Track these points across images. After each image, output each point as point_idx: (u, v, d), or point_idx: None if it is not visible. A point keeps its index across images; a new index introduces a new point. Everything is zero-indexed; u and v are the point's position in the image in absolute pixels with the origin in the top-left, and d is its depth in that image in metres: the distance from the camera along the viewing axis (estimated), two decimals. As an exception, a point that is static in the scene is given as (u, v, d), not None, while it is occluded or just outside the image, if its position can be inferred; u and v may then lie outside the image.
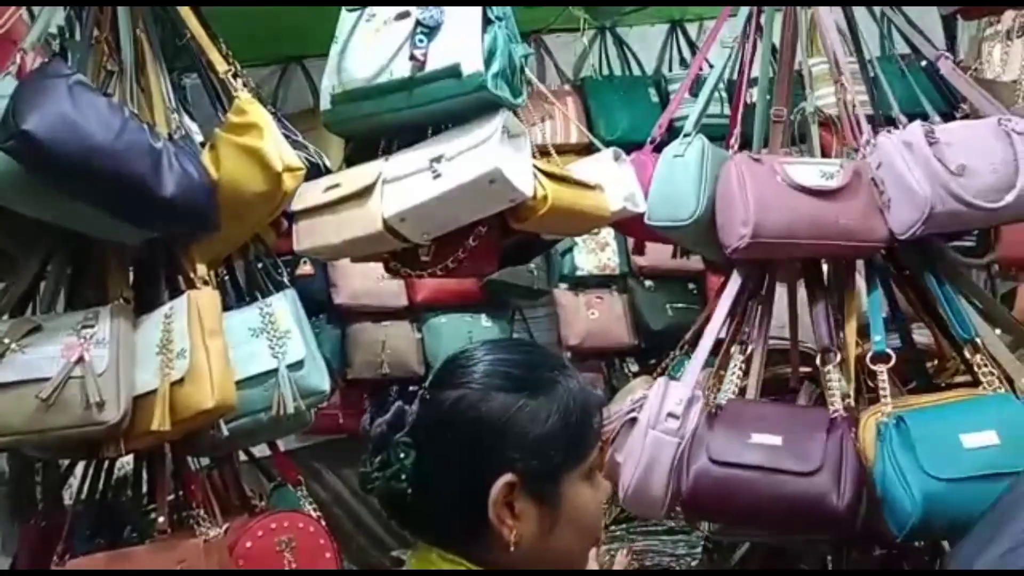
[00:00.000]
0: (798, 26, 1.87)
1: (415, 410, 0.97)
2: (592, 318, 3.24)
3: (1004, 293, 2.36)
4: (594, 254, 3.27)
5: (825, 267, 1.82)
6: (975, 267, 1.77)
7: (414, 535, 1.01)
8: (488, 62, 1.68)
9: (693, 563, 2.19)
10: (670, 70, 3.43)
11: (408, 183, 1.71)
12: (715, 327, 1.75)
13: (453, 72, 1.68)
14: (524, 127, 1.75)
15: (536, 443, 0.95)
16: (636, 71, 3.44)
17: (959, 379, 1.70)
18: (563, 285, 3.29)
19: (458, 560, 0.96)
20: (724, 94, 2.43)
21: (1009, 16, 2.38)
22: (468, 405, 0.95)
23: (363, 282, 3.14)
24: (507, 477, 0.94)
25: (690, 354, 1.80)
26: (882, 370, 1.55)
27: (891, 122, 1.74)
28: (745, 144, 1.94)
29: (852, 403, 1.58)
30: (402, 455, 0.95)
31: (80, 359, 1.59)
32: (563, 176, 1.80)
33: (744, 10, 1.92)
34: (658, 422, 1.62)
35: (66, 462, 1.93)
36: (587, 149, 2.50)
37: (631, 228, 2.07)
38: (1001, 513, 1.24)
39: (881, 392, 1.54)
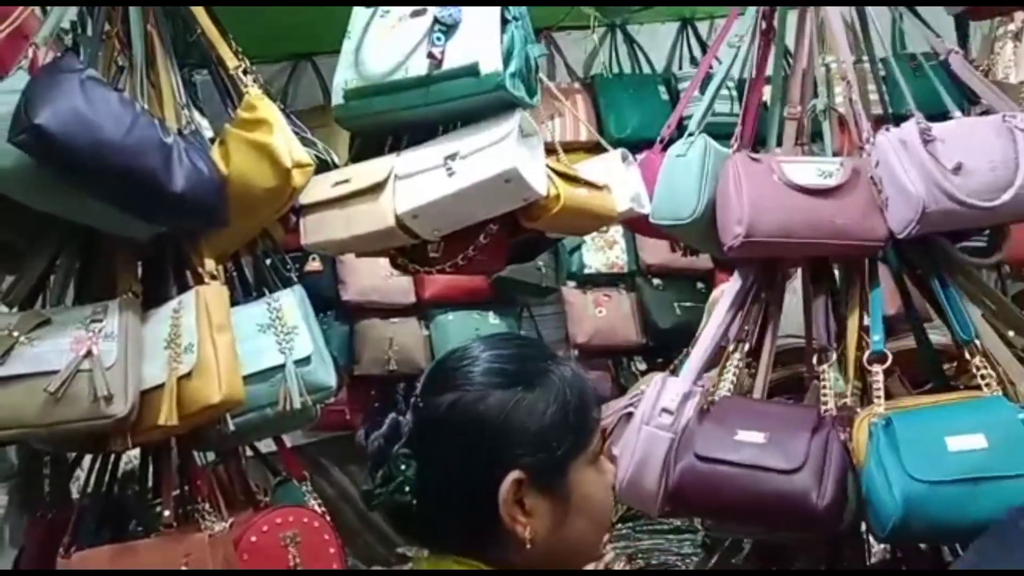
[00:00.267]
0: (811, 24, 1.86)
1: (410, 419, 0.95)
2: (600, 316, 3.24)
3: (1015, 294, 2.35)
4: (602, 252, 3.27)
5: (836, 267, 1.82)
6: (983, 267, 1.74)
7: (425, 546, 0.99)
8: (506, 61, 1.68)
9: (699, 562, 2.19)
10: (680, 68, 3.43)
11: (421, 180, 1.71)
12: (714, 325, 1.75)
13: (471, 71, 1.68)
14: (537, 127, 1.75)
15: (539, 436, 0.94)
16: (646, 69, 3.43)
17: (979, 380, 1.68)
18: (571, 283, 3.29)
19: (476, 564, 0.94)
20: (735, 93, 2.42)
21: (1020, 16, 2.37)
22: (465, 407, 0.94)
23: (371, 279, 3.15)
24: (514, 474, 0.92)
25: (698, 353, 1.80)
26: (877, 370, 1.55)
27: (905, 121, 1.73)
28: (759, 143, 1.94)
29: (848, 402, 1.57)
30: (403, 467, 0.93)
31: (88, 353, 1.60)
32: (573, 176, 1.81)
33: (752, 9, 1.92)
34: (652, 417, 1.63)
35: (73, 455, 1.94)
36: (596, 147, 2.49)
37: (640, 227, 2.08)
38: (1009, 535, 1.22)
39: (875, 393, 1.53)
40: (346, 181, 1.80)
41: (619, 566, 2.16)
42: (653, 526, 2.52)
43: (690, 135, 1.82)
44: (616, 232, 3.23)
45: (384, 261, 3.19)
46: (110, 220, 1.70)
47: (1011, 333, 1.65)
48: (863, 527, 1.59)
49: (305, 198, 1.81)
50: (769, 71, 1.99)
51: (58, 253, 1.79)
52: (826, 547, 1.65)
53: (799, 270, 1.83)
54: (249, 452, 2.03)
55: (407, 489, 0.93)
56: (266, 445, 2.04)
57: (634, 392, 1.77)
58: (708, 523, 1.84)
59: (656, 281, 3.26)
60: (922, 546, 1.69)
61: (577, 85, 3.35)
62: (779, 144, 1.87)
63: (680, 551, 2.50)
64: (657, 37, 3.47)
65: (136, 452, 1.90)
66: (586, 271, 3.28)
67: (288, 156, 1.71)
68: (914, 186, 1.54)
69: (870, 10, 1.86)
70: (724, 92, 2.15)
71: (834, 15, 1.78)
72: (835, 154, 1.83)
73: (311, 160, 1.76)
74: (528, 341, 1.03)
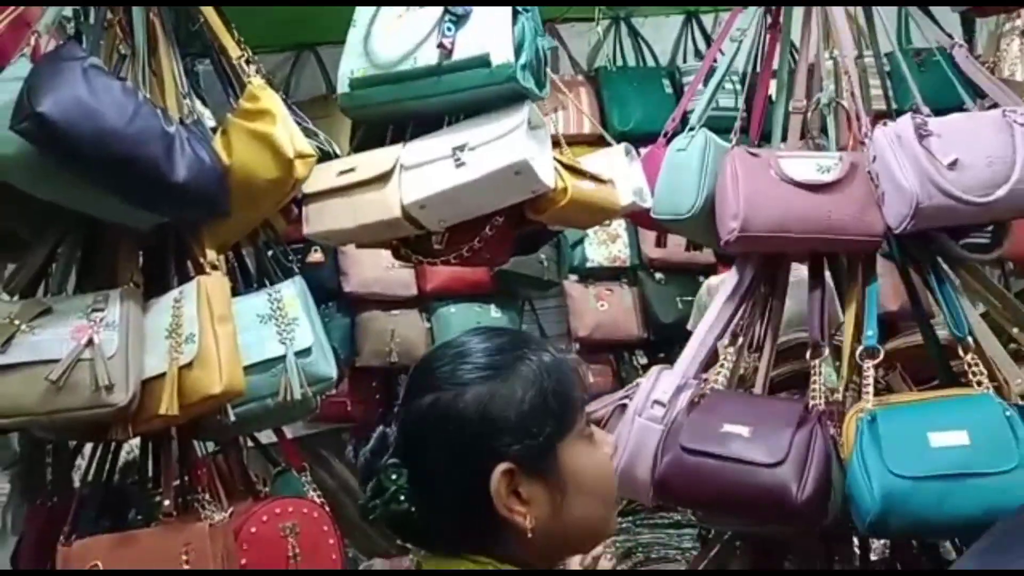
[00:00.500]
0: (817, 19, 1.85)
1: (395, 430, 0.96)
2: (602, 310, 3.24)
3: (1018, 292, 2.34)
4: (605, 246, 3.27)
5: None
6: (983, 263, 1.73)
7: (430, 551, 0.99)
8: (517, 53, 1.67)
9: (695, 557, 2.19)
10: (685, 61, 3.42)
11: (429, 170, 1.71)
12: (709, 319, 1.76)
13: (482, 62, 1.67)
14: (544, 119, 1.75)
15: (520, 424, 0.93)
16: (650, 62, 3.42)
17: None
18: (573, 277, 3.29)
19: (485, 560, 0.94)
20: (739, 87, 2.41)
21: (1026, 13, 2.36)
22: (443, 408, 0.94)
23: (373, 271, 3.15)
24: (503, 466, 0.92)
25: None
26: (868, 366, 1.55)
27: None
28: (764, 138, 1.93)
29: (841, 397, 1.57)
30: (394, 476, 0.93)
31: (90, 342, 1.60)
32: (579, 169, 1.80)
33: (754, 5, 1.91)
34: (644, 409, 1.64)
35: (74, 444, 1.94)
36: (599, 140, 2.49)
37: (643, 220, 2.08)
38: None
39: (864, 388, 1.53)
40: (351, 170, 1.80)
41: (606, 563, 2.16)
42: (653, 520, 2.52)
43: (691, 130, 1.82)
44: (619, 226, 3.23)
45: (386, 253, 3.20)
46: (112, 209, 1.70)
47: (1015, 330, 1.64)
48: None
49: (308, 187, 1.80)
50: (774, 65, 1.99)
51: (59, 242, 1.79)
52: (819, 541, 1.65)
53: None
54: (250, 443, 2.03)
55: (402, 498, 0.93)
56: (267, 436, 2.05)
57: (631, 385, 1.78)
58: (698, 515, 1.84)
59: (658, 275, 3.26)
60: (913, 543, 1.69)
61: (581, 78, 3.34)
62: (784, 139, 1.86)
63: (680, 545, 2.50)
64: (662, 30, 3.46)
65: (137, 442, 1.90)
66: (588, 265, 3.28)
67: (290, 146, 1.70)
68: (908, 181, 1.54)
69: (877, 6, 1.85)
70: (728, 86, 2.15)
71: (838, 10, 1.78)
72: (840, 148, 1.82)
73: (313, 151, 1.76)
74: (502, 332, 1.02)
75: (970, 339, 1.57)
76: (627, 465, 1.60)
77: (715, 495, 1.48)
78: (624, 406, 1.69)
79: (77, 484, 1.89)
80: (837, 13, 1.78)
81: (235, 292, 1.79)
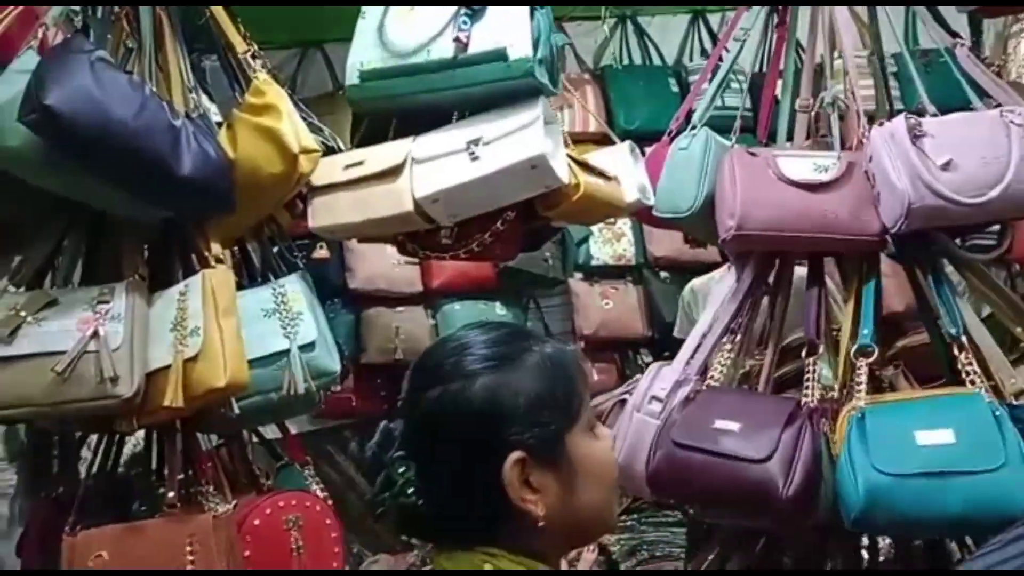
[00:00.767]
0: (824, 17, 1.85)
1: (400, 423, 0.96)
2: (606, 308, 3.24)
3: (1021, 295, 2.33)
4: (610, 244, 3.26)
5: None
6: (983, 263, 1.72)
7: (438, 544, 0.98)
8: (534, 48, 1.67)
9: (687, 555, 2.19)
10: (691, 60, 3.41)
11: (442, 164, 1.70)
12: (709, 316, 1.77)
13: (500, 56, 1.67)
14: (556, 115, 1.75)
15: (530, 413, 0.93)
16: (657, 61, 3.42)
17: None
18: (578, 275, 3.29)
19: (496, 551, 0.93)
20: (745, 86, 2.41)
21: (1035, 14, 2.35)
22: (452, 398, 0.93)
23: (379, 267, 3.15)
24: (515, 455, 0.92)
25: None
26: (861, 364, 1.56)
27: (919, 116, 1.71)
28: (773, 136, 1.93)
29: (836, 395, 1.57)
30: (402, 469, 0.93)
31: (95, 334, 1.61)
32: (590, 165, 1.80)
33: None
34: (642, 405, 1.66)
35: (79, 435, 1.95)
36: (605, 139, 2.49)
37: (648, 218, 2.08)
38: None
39: (856, 387, 1.54)
40: (359, 164, 1.78)
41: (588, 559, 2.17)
42: (658, 518, 2.52)
43: (693, 128, 1.83)
44: (624, 224, 3.22)
45: (391, 250, 3.20)
46: (117, 203, 1.71)
47: (1019, 330, 1.63)
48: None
49: (314, 181, 1.80)
50: (782, 65, 1.99)
51: (65, 235, 1.80)
52: (816, 537, 1.65)
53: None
54: (254, 438, 2.04)
55: (410, 491, 0.93)
56: (271, 431, 2.05)
57: (631, 380, 1.79)
58: (694, 510, 1.85)
59: (663, 274, 3.25)
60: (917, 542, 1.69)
61: (587, 76, 3.33)
62: (790, 138, 1.86)
63: (684, 543, 2.50)
64: (668, 29, 3.46)
65: (142, 434, 1.91)
66: (593, 263, 3.28)
67: (295, 142, 1.71)
68: (900, 181, 1.54)
69: (884, 6, 1.85)
70: (735, 85, 2.15)
71: (840, 9, 1.77)
72: (847, 148, 1.82)
73: (318, 146, 1.76)
74: (504, 326, 1.03)
75: (965, 338, 1.57)
76: (626, 460, 1.61)
77: (704, 490, 1.50)
78: (624, 401, 1.70)
79: (83, 476, 1.90)
80: (839, 12, 1.78)
81: (240, 286, 1.80)
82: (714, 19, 3.42)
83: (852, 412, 1.50)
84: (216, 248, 1.76)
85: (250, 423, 1.88)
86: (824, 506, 1.48)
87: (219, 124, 1.81)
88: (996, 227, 1.74)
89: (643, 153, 2.07)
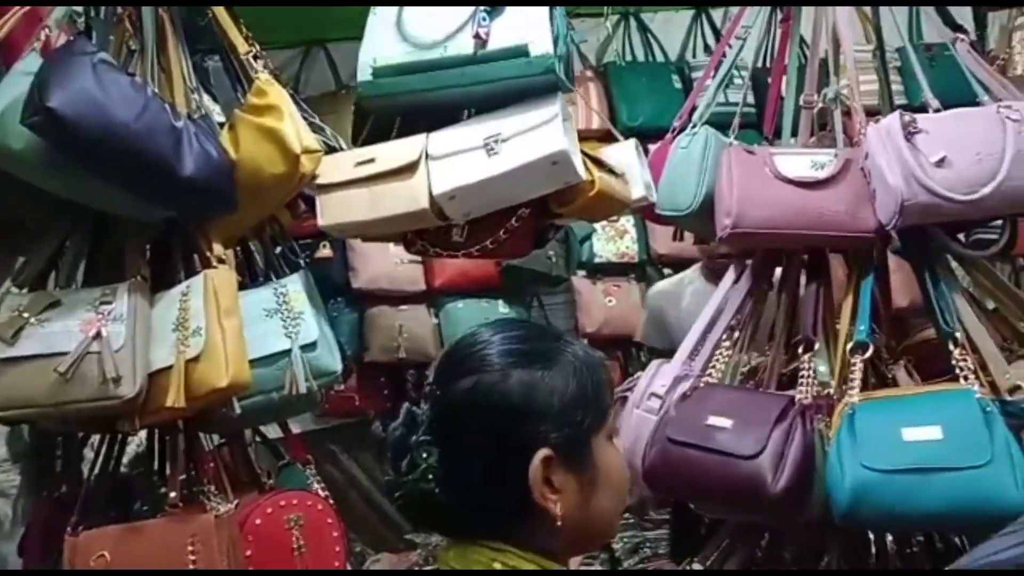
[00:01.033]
0: (830, 13, 1.84)
1: (427, 407, 0.94)
2: (609, 305, 3.24)
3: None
4: (613, 242, 3.26)
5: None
6: (981, 258, 1.71)
7: (447, 535, 0.97)
8: (554, 45, 1.67)
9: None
10: (694, 57, 3.40)
11: (460, 160, 1.68)
12: (708, 314, 1.79)
13: (520, 52, 1.66)
14: (570, 113, 1.73)
15: (563, 412, 0.93)
16: (660, 57, 3.41)
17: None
18: (581, 272, 3.29)
19: (504, 547, 0.93)
20: (749, 82, 2.40)
21: (1039, 9, 2.33)
22: (487, 389, 0.92)
23: (382, 266, 3.15)
24: (543, 452, 0.91)
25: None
26: (856, 360, 1.56)
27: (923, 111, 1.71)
28: (779, 133, 1.93)
29: (833, 391, 1.57)
30: (425, 455, 0.91)
31: (98, 334, 1.62)
32: (602, 161, 1.79)
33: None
34: (642, 401, 1.68)
35: (82, 435, 1.96)
36: (608, 136, 2.49)
37: (652, 214, 2.08)
38: None
39: (849, 382, 1.54)
40: (371, 161, 1.76)
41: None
42: (661, 516, 2.52)
43: (694, 126, 1.83)
44: (627, 222, 3.22)
45: (395, 249, 3.20)
46: (120, 203, 1.71)
47: (1023, 324, 1.63)
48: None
49: (323, 178, 1.78)
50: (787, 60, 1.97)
51: (68, 236, 1.81)
52: (813, 534, 1.65)
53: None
54: (256, 438, 2.04)
55: (431, 477, 0.91)
56: (274, 431, 2.06)
57: (631, 378, 1.79)
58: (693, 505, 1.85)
59: (667, 271, 3.24)
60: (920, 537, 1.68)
61: (590, 73, 3.33)
62: (795, 134, 1.86)
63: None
64: (671, 25, 3.45)
65: (144, 435, 1.92)
66: (596, 260, 3.27)
67: (297, 142, 1.71)
68: (893, 178, 1.54)
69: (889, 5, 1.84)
70: (738, 82, 2.14)
71: (841, 8, 1.77)
72: (851, 144, 1.81)
73: (320, 146, 1.76)
74: (534, 323, 1.03)
75: (960, 335, 1.56)
76: (626, 456, 1.60)
77: (697, 485, 1.51)
78: (625, 398, 1.70)
79: (85, 476, 1.91)
80: (840, 8, 1.77)
81: (242, 286, 1.81)
82: (717, 15, 3.41)
83: (845, 408, 1.51)
84: (218, 248, 1.76)
85: (252, 423, 1.89)
86: (818, 501, 1.48)
87: (222, 125, 1.81)
88: (996, 222, 1.72)
89: (646, 151, 2.07)
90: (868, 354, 1.56)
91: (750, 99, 2.78)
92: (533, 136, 1.64)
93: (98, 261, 1.84)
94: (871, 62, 1.89)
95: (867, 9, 1.87)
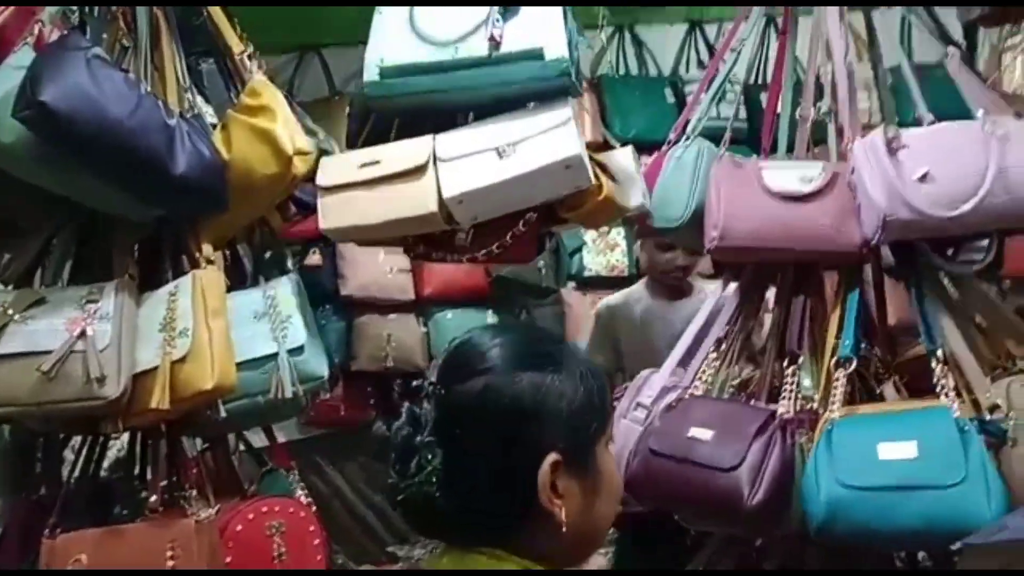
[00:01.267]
0: (819, 30, 1.85)
1: (431, 409, 0.92)
2: (598, 318, 3.23)
3: (1016, 309, 2.33)
4: (603, 255, 3.27)
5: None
6: (965, 275, 1.71)
7: (445, 540, 0.95)
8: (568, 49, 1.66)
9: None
10: (687, 71, 3.43)
11: (471, 163, 1.66)
12: (696, 327, 1.80)
13: (535, 55, 1.65)
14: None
15: (572, 417, 0.92)
16: (653, 71, 3.44)
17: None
18: (571, 284, 3.29)
19: (501, 553, 0.91)
20: (741, 97, 2.42)
21: (1031, 30, 2.36)
22: (496, 392, 0.90)
23: (371, 274, 3.14)
24: (552, 457, 0.90)
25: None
26: (838, 375, 1.56)
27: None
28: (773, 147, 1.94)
29: (816, 406, 1.58)
30: (430, 456, 0.90)
31: (83, 333, 1.59)
32: (606, 167, 1.79)
33: (755, 14, 1.92)
34: (628, 411, 1.68)
35: (62, 437, 1.93)
36: (602, 146, 2.49)
37: (644, 225, 2.08)
38: None
39: (832, 398, 1.55)
40: (375, 163, 1.73)
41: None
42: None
43: (687, 139, 1.84)
44: (617, 235, 3.23)
45: (384, 257, 3.19)
46: (111, 201, 1.69)
47: (1011, 343, 1.63)
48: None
49: (326, 180, 1.75)
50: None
51: (55, 233, 1.78)
52: (794, 546, 1.64)
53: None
54: (241, 446, 2.02)
55: (434, 480, 0.90)
56: (258, 440, 2.03)
57: (620, 387, 1.79)
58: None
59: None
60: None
61: (583, 84, 3.34)
62: (790, 148, 1.87)
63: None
64: (665, 39, 3.48)
65: (126, 439, 1.89)
66: (586, 273, 3.28)
67: (290, 143, 1.70)
68: (876, 193, 1.54)
69: (880, 18, 1.86)
70: (731, 96, 2.15)
71: (832, 21, 1.78)
72: (841, 156, 1.82)
73: (313, 148, 1.75)
74: (535, 327, 1.02)
75: (941, 352, 1.56)
76: None
77: (677, 495, 1.52)
78: (613, 408, 1.69)
79: (64, 478, 1.87)
80: (831, 23, 1.78)
81: (230, 289, 1.79)
82: (711, 31, 3.44)
83: (825, 423, 1.51)
84: (207, 249, 1.74)
85: (236, 426, 1.87)
86: (796, 516, 1.48)
87: (214, 126, 1.80)
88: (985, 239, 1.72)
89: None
90: (851, 369, 1.56)
91: (742, 114, 2.82)
92: (546, 140, 1.63)
93: (85, 260, 1.82)
94: (870, 77, 1.90)
95: (860, 26, 1.88)
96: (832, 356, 1.62)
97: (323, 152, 1.88)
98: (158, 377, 1.59)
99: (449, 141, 1.71)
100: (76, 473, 1.82)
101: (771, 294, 1.84)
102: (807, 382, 1.64)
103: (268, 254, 1.97)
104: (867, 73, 1.90)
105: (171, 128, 1.64)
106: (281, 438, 2.09)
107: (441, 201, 1.66)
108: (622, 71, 3.41)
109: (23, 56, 1.63)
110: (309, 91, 3.21)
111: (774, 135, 1.90)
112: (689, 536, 1.81)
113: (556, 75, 1.66)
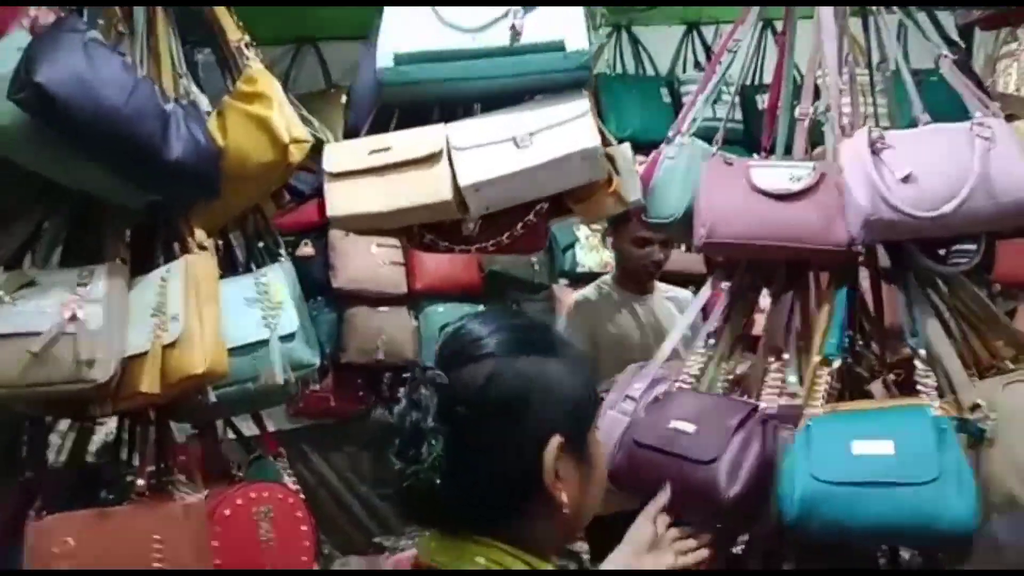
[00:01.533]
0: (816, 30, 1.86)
1: (432, 395, 0.91)
2: (590, 315, 3.24)
3: (1007, 312, 2.35)
4: (596, 251, 3.28)
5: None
6: (950, 274, 1.72)
7: (441, 527, 0.95)
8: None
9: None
10: (684, 72, 3.44)
11: (488, 152, 1.66)
12: (684, 323, 1.82)
13: (556, 46, 1.66)
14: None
15: (572, 401, 0.94)
16: (650, 71, 3.44)
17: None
18: (563, 280, 3.30)
19: (492, 543, 0.91)
20: (736, 98, 2.43)
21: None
22: (500, 376, 0.91)
23: (363, 267, 3.14)
24: (556, 440, 0.91)
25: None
26: (821, 373, 1.57)
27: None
28: (760, 148, 1.95)
29: (800, 401, 1.59)
30: (434, 442, 0.89)
31: (73, 316, 1.59)
32: (612, 160, 1.79)
33: (752, 15, 1.93)
34: (616, 403, 1.68)
35: (49, 420, 1.92)
36: (603, 141, 2.50)
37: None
38: None
39: (812, 395, 1.56)
40: (386, 149, 1.70)
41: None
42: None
43: (682, 138, 1.86)
44: (611, 232, 3.23)
45: (376, 249, 3.18)
46: (104, 186, 1.69)
47: (1000, 343, 1.64)
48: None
49: (334, 166, 1.73)
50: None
51: (47, 216, 1.78)
52: (774, 544, 1.65)
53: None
54: (231, 435, 2.02)
55: (436, 465, 0.89)
56: (247, 428, 2.03)
57: (609, 380, 1.81)
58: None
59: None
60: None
61: (582, 83, 3.35)
62: (788, 149, 1.88)
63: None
64: (662, 40, 3.49)
65: (114, 425, 1.89)
66: (579, 270, 3.29)
67: (286, 131, 1.70)
68: (859, 194, 1.55)
69: (878, 22, 1.86)
70: (726, 97, 2.16)
71: (826, 20, 1.79)
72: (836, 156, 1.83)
73: (309, 137, 1.75)
74: (525, 314, 1.03)
75: (924, 351, 1.57)
76: None
77: (655, 487, 1.51)
78: (601, 400, 1.71)
79: (50, 461, 1.87)
80: (825, 24, 1.79)
81: (222, 276, 1.78)
82: (708, 32, 3.45)
83: (805, 420, 1.52)
84: (200, 234, 1.74)
85: (226, 412, 1.87)
86: (775, 511, 1.49)
87: (209, 114, 1.80)
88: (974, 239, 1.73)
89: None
90: (835, 367, 1.57)
91: (737, 115, 2.83)
92: (564, 131, 1.64)
93: (77, 243, 1.81)
94: (864, 81, 1.91)
95: (857, 31, 1.89)
96: (818, 354, 1.63)
97: (318, 141, 1.88)
98: (148, 361, 1.59)
99: (463, 130, 1.70)
100: (63, 457, 1.82)
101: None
102: (792, 378, 1.65)
103: (261, 244, 1.97)
104: (864, 77, 1.91)
105: (167, 113, 1.64)
106: (270, 427, 2.09)
107: (456, 189, 1.66)
108: (619, 70, 3.42)
109: (19, 38, 1.62)
110: (305, 84, 3.20)
111: (773, 135, 1.91)
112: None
113: (576, 67, 1.66)
